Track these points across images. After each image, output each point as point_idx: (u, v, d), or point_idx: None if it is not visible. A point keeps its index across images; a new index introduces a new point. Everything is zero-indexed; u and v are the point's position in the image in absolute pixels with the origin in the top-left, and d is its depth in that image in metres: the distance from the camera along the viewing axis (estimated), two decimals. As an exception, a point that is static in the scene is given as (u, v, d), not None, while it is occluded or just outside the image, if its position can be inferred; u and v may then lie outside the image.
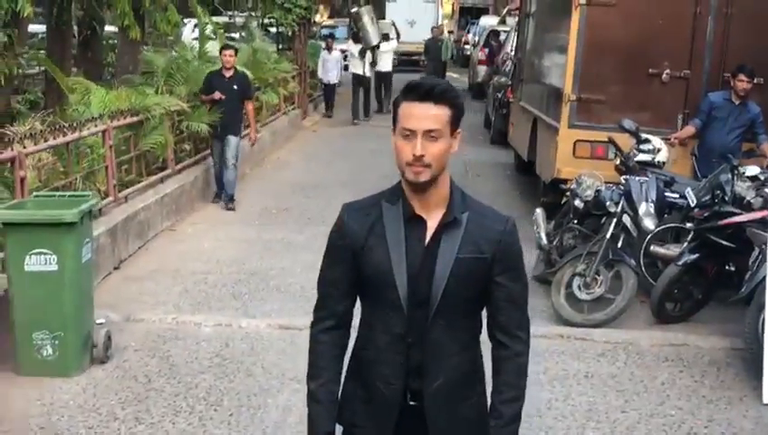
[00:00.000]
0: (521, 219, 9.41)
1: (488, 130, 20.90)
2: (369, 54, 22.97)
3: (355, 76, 23.20)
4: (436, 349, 3.16)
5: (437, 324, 3.13)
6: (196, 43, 17.60)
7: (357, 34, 23.73)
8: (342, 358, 3.33)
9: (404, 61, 39.35)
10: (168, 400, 6.45)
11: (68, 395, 6.51)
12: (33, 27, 24.50)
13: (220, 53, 13.20)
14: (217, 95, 12.62)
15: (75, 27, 20.22)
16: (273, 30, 25.28)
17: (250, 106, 13.42)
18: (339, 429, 3.31)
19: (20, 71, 23.30)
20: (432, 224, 3.14)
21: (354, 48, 23.47)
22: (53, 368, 6.80)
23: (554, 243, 8.91)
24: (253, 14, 28.04)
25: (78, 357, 6.92)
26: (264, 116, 18.20)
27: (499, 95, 19.16)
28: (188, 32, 22.62)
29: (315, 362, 3.31)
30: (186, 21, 21.03)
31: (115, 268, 9.58)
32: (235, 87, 12.82)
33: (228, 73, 12.85)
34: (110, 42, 22.75)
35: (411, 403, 3.20)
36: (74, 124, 9.34)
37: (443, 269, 3.10)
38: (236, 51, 13.32)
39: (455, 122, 3.09)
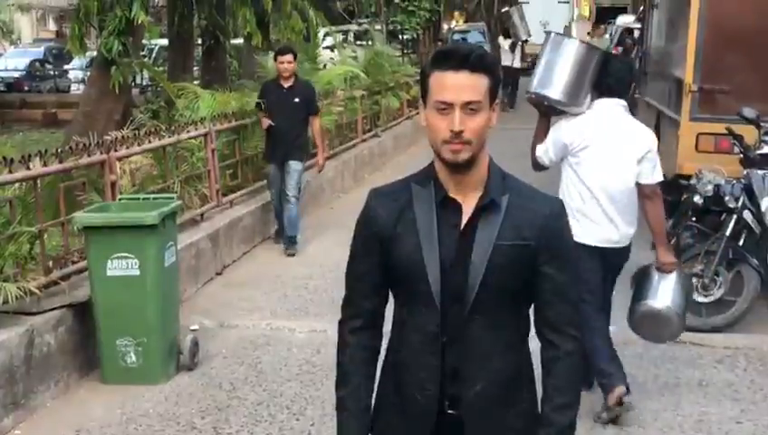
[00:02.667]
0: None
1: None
2: (518, 48, 26.20)
3: (504, 68, 25.03)
4: (475, 349, 2.79)
5: (476, 321, 2.77)
6: (321, 51, 17.69)
7: (507, 30, 27.26)
8: (374, 362, 3.01)
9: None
10: (249, 408, 6.21)
11: (149, 403, 6.35)
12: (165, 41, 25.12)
13: (275, 59, 10.81)
14: (265, 123, 10.44)
15: (199, 38, 20.50)
16: (401, 36, 25.42)
17: (317, 124, 10.83)
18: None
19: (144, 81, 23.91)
20: (468, 208, 2.77)
21: (505, 43, 26.49)
22: (138, 375, 6.65)
23: (671, 242, 8.33)
24: (377, 18, 28.09)
25: (163, 364, 6.76)
26: (385, 120, 18.05)
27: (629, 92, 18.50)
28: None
29: (343, 366, 3.00)
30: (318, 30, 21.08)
31: (217, 274, 9.48)
32: (296, 100, 10.45)
33: (287, 84, 10.48)
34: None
35: (450, 411, 2.83)
36: (172, 128, 9.26)
37: (480, 258, 2.73)
38: (296, 55, 10.87)
39: (493, 93, 2.73)
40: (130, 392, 6.49)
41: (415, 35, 23.19)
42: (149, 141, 8.63)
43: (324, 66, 18.00)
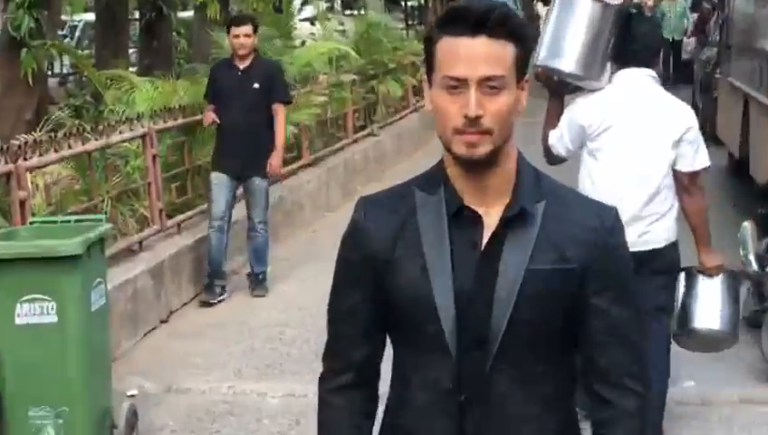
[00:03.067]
0: (732, 239, 9.03)
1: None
2: None
3: None
4: (502, 410, 2.75)
5: (503, 373, 2.73)
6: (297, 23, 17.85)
7: None
8: (367, 430, 2.98)
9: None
10: (206, 505, 6.23)
11: (73, 496, 6.33)
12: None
13: (228, 31, 10.59)
14: (209, 118, 10.24)
15: (136, 11, 20.59)
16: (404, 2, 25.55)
17: (281, 114, 10.33)
18: None
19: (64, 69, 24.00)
20: (491, 220, 2.72)
21: (544, 10, 27.35)
22: (58, 458, 6.63)
23: (766, 269, 8.35)
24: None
25: (91, 442, 6.73)
26: (383, 114, 18.06)
27: (707, 71, 18.52)
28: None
29: None
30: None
31: (162, 321, 9.55)
32: (256, 85, 10.15)
33: (243, 64, 10.23)
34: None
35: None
36: (100, 128, 9.26)
37: (507, 288, 2.69)
38: (256, 27, 10.56)
39: (521, 66, 2.68)
40: (48, 482, 6.49)
41: (422, 1, 23.27)
42: (70, 146, 8.66)
43: (303, 43, 18.06)
